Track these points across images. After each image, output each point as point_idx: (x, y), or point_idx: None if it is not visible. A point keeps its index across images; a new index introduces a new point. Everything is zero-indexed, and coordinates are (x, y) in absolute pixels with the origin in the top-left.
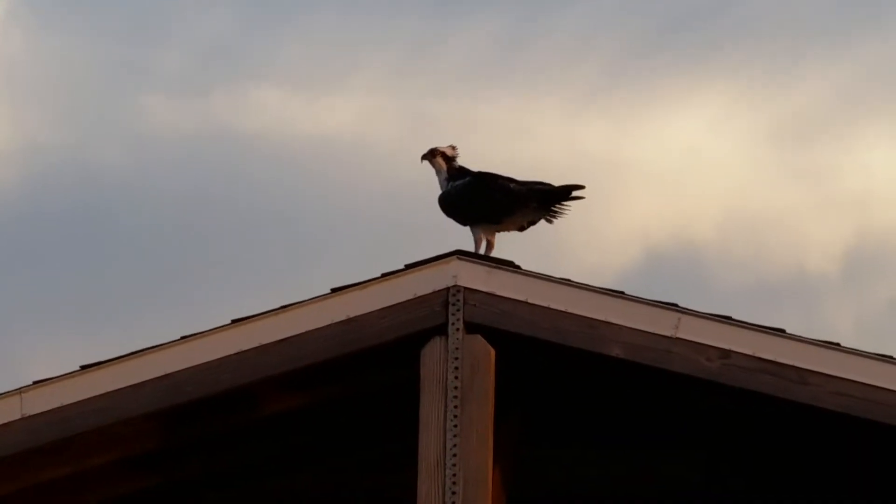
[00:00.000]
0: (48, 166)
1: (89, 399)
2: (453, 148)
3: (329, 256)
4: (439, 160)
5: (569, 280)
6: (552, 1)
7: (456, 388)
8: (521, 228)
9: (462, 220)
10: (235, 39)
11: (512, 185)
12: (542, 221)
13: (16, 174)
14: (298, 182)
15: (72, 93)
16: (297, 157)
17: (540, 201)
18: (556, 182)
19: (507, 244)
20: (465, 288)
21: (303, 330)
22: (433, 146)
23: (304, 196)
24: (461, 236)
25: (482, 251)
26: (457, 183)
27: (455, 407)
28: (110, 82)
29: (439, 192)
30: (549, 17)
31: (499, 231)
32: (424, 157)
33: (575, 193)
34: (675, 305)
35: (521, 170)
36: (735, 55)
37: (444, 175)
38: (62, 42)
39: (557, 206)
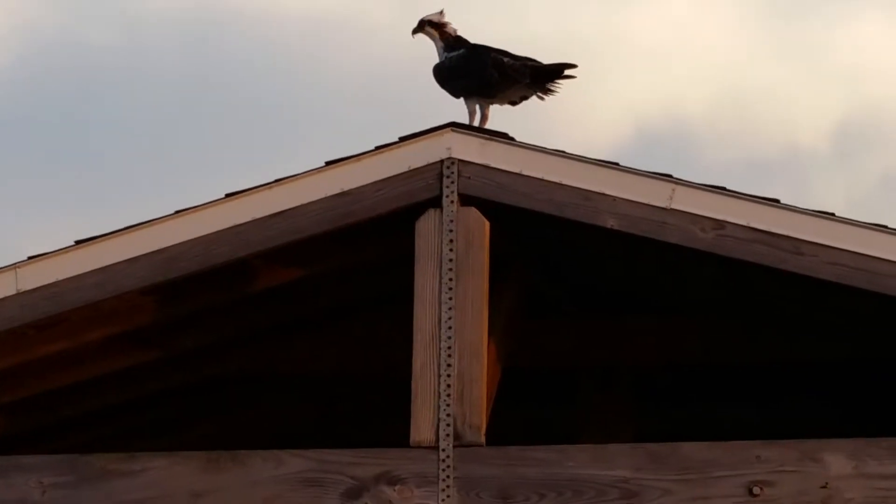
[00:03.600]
0: (41, 46)
1: (84, 274)
2: (441, 14)
3: (323, 132)
4: (430, 30)
5: (563, 151)
6: None
7: (451, 260)
8: (514, 103)
9: (455, 93)
10: None
11: (505, 60)
12: (535, 98)
13: (8, 54)
14: (291, 59)
15: None
16: (290, 33)
17: (532, 78)
18: (549, 60)
19: (500, 118)
20: (459, 160)
21: (297, 203)
22: (421, 17)
23: (297, 72)
24: (455, 109)
25: (476, 123)
26: (451, 54)
27: (450, 280)
28: None
29: (437, 61)
30: None
31: (491, 104)
32: (415, 31)
33: (567, 72)
34: (670, 176)
35: (512, 46)
36: None
37: (441, 44)
38: None
39: (549, 83)
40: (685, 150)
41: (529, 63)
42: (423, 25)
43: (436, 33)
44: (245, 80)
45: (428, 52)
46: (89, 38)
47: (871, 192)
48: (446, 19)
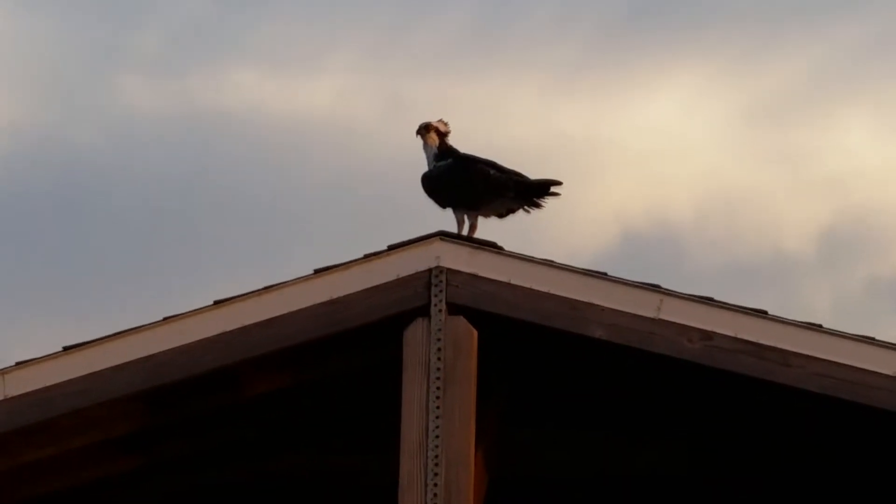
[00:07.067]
0: (25, 147)
1: (72, 380)
2: (445, 123)
3: (311, 237)
4: (432, 135)
5: (551, 261)
6: None
7: (438, 369)
8: (501, 215)
9: (441, 203)
10: (212, 19)
11: (491, 172)
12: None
13: None
14: (278, 163)
15: (48, 73)
16: (276, 137)
17: (517, 192)
18: (536, 173)
19: (488, 227)
20: (448, 269)
21: (285, 311)
22: (427, 121)
23: (284, 177)
24: (444, 217)
25: (464, 233)
26: (440, 164)
27: (437, 388)
28: (87, 63)
29: (425, 169)
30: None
31: (479, 216)
32: (419, 131)
33: (553, 189)
34: (658, 287)
35: (499, 150)
36: (711, 36)
37: (434, 151)
38: (38, 22)
39: (535, 198)
40: (672, 255)
41: (515, 177)
42: (429, 129)
43: (435, 140)
44: (231, 182)
45: (417, 155)
46: (74, 137)
47: (857, 297)
48: (448, 128)
